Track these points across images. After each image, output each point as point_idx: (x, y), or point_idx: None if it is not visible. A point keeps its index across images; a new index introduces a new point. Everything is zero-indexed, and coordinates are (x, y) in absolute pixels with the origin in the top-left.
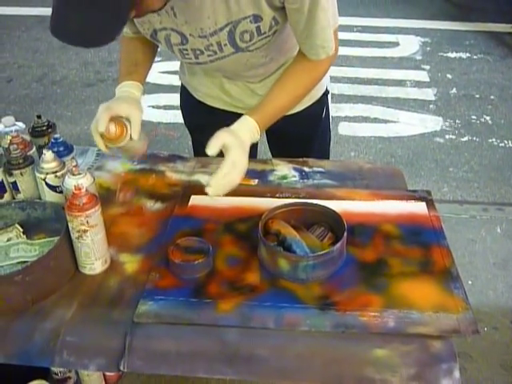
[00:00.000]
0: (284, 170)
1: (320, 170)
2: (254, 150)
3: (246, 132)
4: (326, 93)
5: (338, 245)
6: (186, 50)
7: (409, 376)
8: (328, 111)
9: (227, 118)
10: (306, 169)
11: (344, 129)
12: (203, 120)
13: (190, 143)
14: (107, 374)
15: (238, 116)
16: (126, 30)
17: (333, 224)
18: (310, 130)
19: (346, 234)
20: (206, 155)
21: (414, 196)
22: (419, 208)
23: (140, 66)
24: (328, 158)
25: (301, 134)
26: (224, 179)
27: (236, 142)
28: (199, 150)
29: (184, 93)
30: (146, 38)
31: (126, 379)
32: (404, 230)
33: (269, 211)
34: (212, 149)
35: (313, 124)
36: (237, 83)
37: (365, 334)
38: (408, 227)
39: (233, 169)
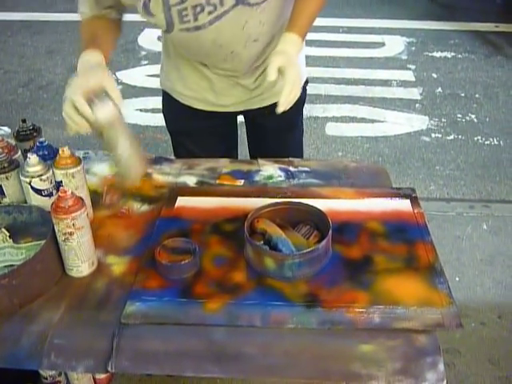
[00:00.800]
0: (270, 170)
1: (305, 169)
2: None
3: (292, 47)
4: (306, 81)
5: (324, 242)
6: (186, 9)
7: (394, 370)
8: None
9: (213, 119)
10: (292, 168)
11: (331, 129)
12: (189, 123)
13: None
14: (97, 377)
15: (223, 116)
16: (85, 10)
17: (318, 222)
18: (291, 119)
19: (330, 231)
20: (189, 157)
21: (399, 193)
22: (404, 205)
23: (99, 39)
24: (302, 153)
25: (282, 124)
26: (289, 96)
27: (288, 60)
28: (182, 153)
29: (166, 99)
30: (106, 19)
31: (116, 382)
32: (389, 227)
33: (254, 211)
34: (272, 75)
35: (295, 112)
36: (224, 80)
37: (351, 330)
38: (393, 224)
39: (293, 86)
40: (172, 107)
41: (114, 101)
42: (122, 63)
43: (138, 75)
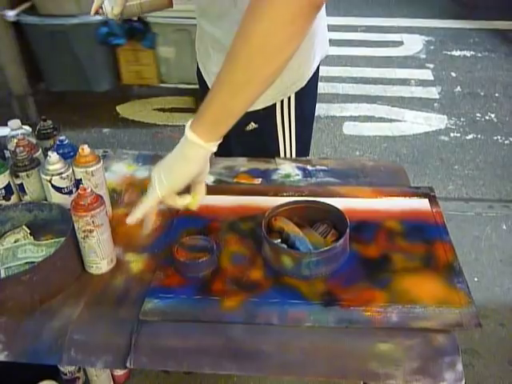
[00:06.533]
0: (287, 168)
1: (323, 168)
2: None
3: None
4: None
5: (341, 241)
6: None
7: (412, 369)
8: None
9: None
10: (309, 167)
11: (349, 128)
12: None
13: None
14: (115, 374)
15: None
16: None
17: (336, 221)
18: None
19: (348, 230)
20: None
21: (417, 192)
22: (422, 204)
23: None
24: None
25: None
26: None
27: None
28: None
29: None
30: None
31: (134, 379)
32: (407, 226)
33: (272, 209)
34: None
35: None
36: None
37: (368, 329)
38: (411, 223)
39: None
40: (200, 81)
41: None
42: None
43: None
